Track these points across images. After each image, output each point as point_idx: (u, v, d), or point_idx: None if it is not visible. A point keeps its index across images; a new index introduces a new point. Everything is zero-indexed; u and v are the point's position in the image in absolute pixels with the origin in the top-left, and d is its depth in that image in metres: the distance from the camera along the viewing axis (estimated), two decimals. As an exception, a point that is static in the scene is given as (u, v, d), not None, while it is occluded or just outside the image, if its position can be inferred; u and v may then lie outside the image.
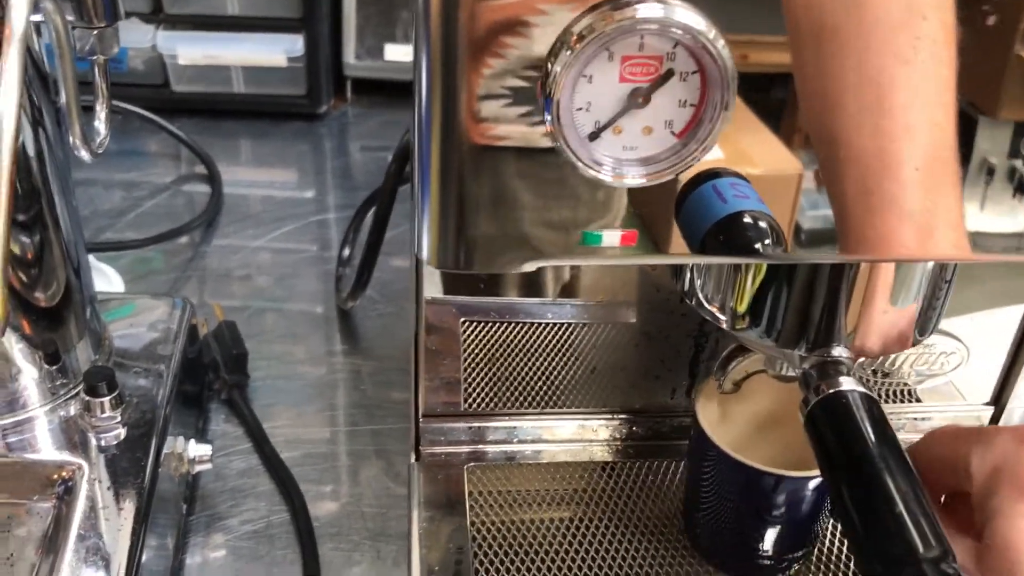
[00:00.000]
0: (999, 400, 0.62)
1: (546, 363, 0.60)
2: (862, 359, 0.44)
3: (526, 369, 0.60)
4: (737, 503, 0.50)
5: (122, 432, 0.59)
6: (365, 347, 0.80)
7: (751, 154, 0.35)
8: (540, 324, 0.59)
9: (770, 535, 0.50)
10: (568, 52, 0.31)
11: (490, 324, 0.59)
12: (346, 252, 0.86)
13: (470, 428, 0.59)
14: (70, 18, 0.47)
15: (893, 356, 0.58)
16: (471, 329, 0.59)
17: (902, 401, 0.61)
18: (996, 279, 0.58)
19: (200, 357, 0.74)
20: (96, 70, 0.51)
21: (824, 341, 0.42)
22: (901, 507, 0.35)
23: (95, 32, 0.48)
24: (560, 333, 0.59)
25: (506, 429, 0.59)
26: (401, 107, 1.13)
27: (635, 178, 0.34)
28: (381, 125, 1.13)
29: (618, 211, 0.35)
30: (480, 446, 0.59)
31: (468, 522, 0.54)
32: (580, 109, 0.33)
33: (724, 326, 0.44)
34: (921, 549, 0.33)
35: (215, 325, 0.76)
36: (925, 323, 0.43)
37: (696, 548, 0.54)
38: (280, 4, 1.02)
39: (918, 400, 0.61)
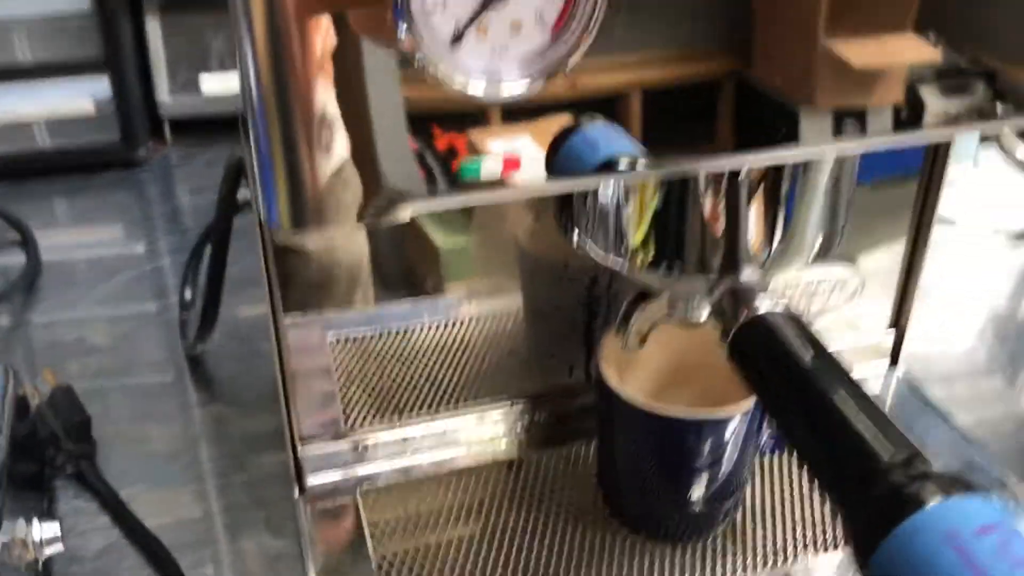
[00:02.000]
0: (898, 323, 0.60)
1: (430, 365, 0.54)
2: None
3: (409, 375, 0.54)
4: (658, 459, 0.46)
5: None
6: (224, 392, 0.73)
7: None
8: (416, 328, 0.54)
9: (698, 486, 0.46)
10: (411, -61, 0.26)
11: (361, 337, 0.53)
12: (187, 294, 0.78)
13: (356, 448, 0.53)
14: None
15: (790, 289, 0.55)
16: (341, 345, 0.53)
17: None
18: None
19: (35, 431, 0.64)
20: None
21: (731, 265, 0.38)
22: (853, 420, 0.31)
23: None
24: (440, 332, 0.54)
25: (396, 442, 0.53)
26: (227, 144, 1.05)
27: (512, 87, 0.29)
28: (208, 165, 1.05)
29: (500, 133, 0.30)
30: (370, 465, 0.53)
31: (373, 564, 0.48)
32: (436, 7, 0.28)
33: (623, 270, 0.40)
34: (885, 457, 0.29)
35: (48, 393, 0.67)
36: (831, 231, 0.40)
37: (624, 521, 0.49)
38: (78, 44, 0.94)
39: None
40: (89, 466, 0.64)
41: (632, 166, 0.33)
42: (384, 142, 0.30)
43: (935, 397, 0.60)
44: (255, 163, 0.29)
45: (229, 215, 0.69)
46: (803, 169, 0.38)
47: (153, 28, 1.00)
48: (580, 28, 0.29)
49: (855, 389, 0.32)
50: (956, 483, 0.27)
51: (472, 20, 0.28)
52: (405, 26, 0.28)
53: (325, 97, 0.28)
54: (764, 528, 0.50)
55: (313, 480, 0.52)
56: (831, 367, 0.33)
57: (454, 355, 0.54)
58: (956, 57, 0.34)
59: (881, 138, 0.36)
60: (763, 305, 0.37)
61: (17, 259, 0.88)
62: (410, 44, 0.28)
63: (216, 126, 1.05)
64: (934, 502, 0.27)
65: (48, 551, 0.56)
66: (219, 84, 1.03)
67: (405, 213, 0.31)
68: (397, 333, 0.54)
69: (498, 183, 0.31)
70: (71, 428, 0.65)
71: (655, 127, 0.32)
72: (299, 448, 0.51)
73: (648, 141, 0.33)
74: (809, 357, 0.34)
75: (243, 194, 0.67)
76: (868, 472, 0.29)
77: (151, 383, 0.73)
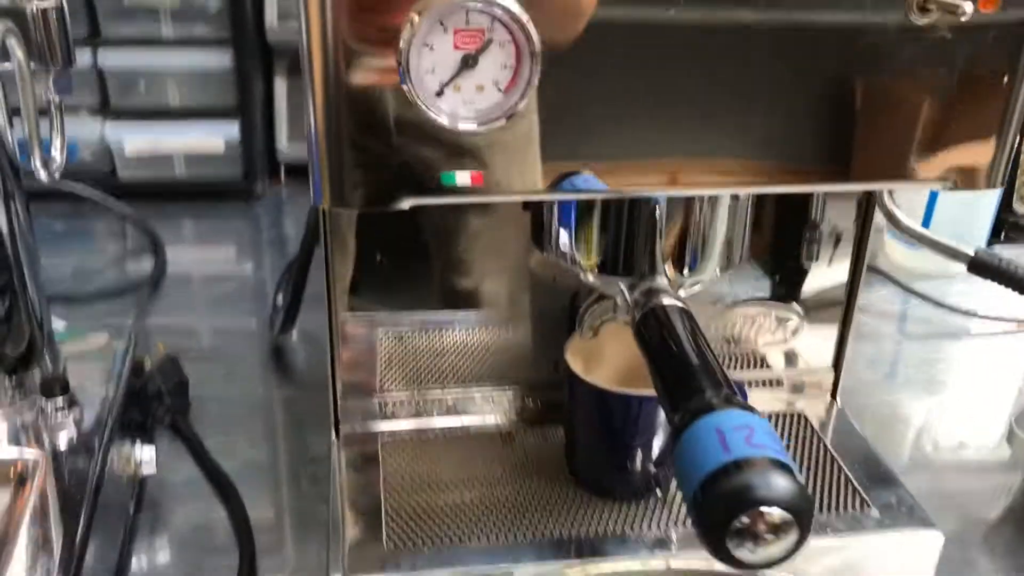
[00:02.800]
0: (837, 363, 0.72)
1: (448, 353, 0.69)
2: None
3: (432, 361, 0.69)
4: (604, 429, 0.59)
5: (74, 432, 0.66)
6: (295, 377, 0.89)
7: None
8: (442, 326, 0.69)
9: (635, 453, 0.60)
10: (411, 27, 0.43)
11: (405, 330, 0.69)
12: (279, 299, 0.96)
13: (382, 407, 0.68)
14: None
15: (738, 324, 0.69)
16: (386, 337, 0.69)
17: (753, 367, 0.71)
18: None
19: (145, 388, 0.81)
20: (52, 107, 0.61)
21: (649, 271, 0.53)
22: (696, 368, 0.45)
23: (52, 74, 0.59)
24: (458, 330, 0.69)
25: (415, 408, 0.69)
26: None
27: (473, 124, 0.45)
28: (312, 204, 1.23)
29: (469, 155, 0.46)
30: (393, 422, 0.68)
31: (382, 481, 0.63)
32: (427, 72, 0.44)
33: (579, 273, 0.55)
34: (705, 389, 0.43)
35: (159, 361, 0.84)
36: (730, 251, 0.54)
37: (581, 483, 0.63)
38: (217, 94, 1.14)
39: (768, 366, 0.71)
40: (183, 419, 0.81)
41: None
42: (394, 154, 0.46)
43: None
44: (310, 143, 0.46)
45: (315, 235, 0.87)
46: (708, 200, 0.52)
47: (280, 85, 1.20)
48: (522, 90, 0.45)
49: (704, 352, 0.46)
50: (736, 403, 0.41)
51: (450, 81, 0.44)
52: (406, 82, 0.44)
53: (355, 117, 0.45)
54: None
55: (346, 430, 0.67)
56: (694, 338, 0.47)
57: (467, 347, 0.69)
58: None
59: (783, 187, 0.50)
60: (664, 300, 0.51)
61: (149, 264, 1.08)
62: (409, 94, 0.44)
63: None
64: (717, 411, 0.41)
65: (145, 471, 0.72)
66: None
67: (405, 204, 0.47)
68: (428, 330, 0.69)
69: (468, 188, 0.47)
70: (173, 388, 0.82)
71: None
72: (339, 402, 0.66)
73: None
74: (681, 332, 0.48)
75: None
76: (689, 395, 0.43)
77: (241, 362, 0.90)
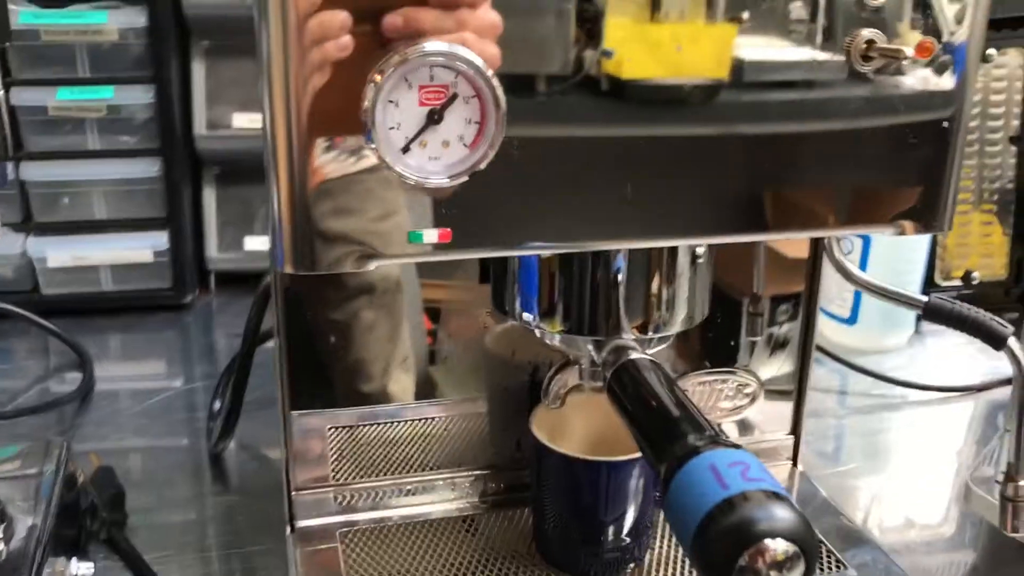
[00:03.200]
0: (796, 428, 0.72)
1: (406, 440, 0.67)
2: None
3: (389, 450, 0.67)
4: (572, 499, 0.58)
5: (3, 550, 0.62)
6: (235, 485, 0.86)
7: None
8: (398, 414, 0.67)
9: (606, 526, 0.58)
10: (374, 85, 0.43)
11: (358, 422, 0.67)
12: (216, 405, 0.92)
13: (339, 498, 0.65)
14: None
15: (695, 393, 0.68)
16: (339, 429, 0.67)
17: (715, 436, 0.71)
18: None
19: (78, 501, 0.77)
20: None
21: (614, 330, 0.52)
22: (674, 412, 0.44)
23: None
24: (419, 427, 0.67)
25: (373, 493, 0.66)
26: (263, 296, 1.22)
27: (440, 180, 0.44)
28: (244, 311, 1.21)
29: (435, 213, 0.46)
30: (351, 515, 0.65)
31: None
32: (392, 128, 0.44)
33: (539, 333, 0.54)
34: (687, 433, 0.42)
35: (92, 473, 0.80)
36: (692, 309, 0.54)
37: (550, 561, 0.61)
38: (145, 206, 1.12)
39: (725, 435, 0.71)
40: (119, 531, 0.77)
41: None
42: (359, 215, 0.45)
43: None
44: (272, 209, 0.45)
45: (256, 335, 0.85)
46: (668, 259, 0.53)
47: (209, 195, 1.19)
48: (487, 145, 0.45)
49: (683, 401, 0.46)
50: (724, 443, 0.40)
51: (416, 137, 0.44)
52: (372, 141, 0.44)
53: (320, 180, 0.44)
54: (666, 569, 0.61)
55: (302, 524, 0.64)
56: (670, 387, 0.47)
57: (424, 434, 0.67)
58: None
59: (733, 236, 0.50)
60: (633, 355, 0.50)
61: (77, 379, 1.03)
62: (376, 154, 0.44)
63: (255, 279, 1.21)
64: (706, 451, 0.40)
65: (83, 586, 0.67)
66: (261, 244, 1.21)
67: (371, 265, 0.46)
68: (382, 421, 0.67)
69: (436, 247, 0.46)
70: (108, 500, 0.78)
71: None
72: (292, 495, 0.63)
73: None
74: (657, 385, 0.47)
75: (267, 324, 0.83)
76: (674, 440, 0.42)
77: (179, 472, 0.86)
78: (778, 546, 0.36)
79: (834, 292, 1.10)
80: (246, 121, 1.15)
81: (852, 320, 1.10)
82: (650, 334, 0.54)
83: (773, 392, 0.71)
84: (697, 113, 0.47)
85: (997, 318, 0.54)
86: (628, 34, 0.45)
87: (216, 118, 1.15)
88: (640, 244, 0.50)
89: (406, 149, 0.44)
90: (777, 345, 0.71)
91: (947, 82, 0.49)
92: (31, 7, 1.04)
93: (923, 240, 1.06)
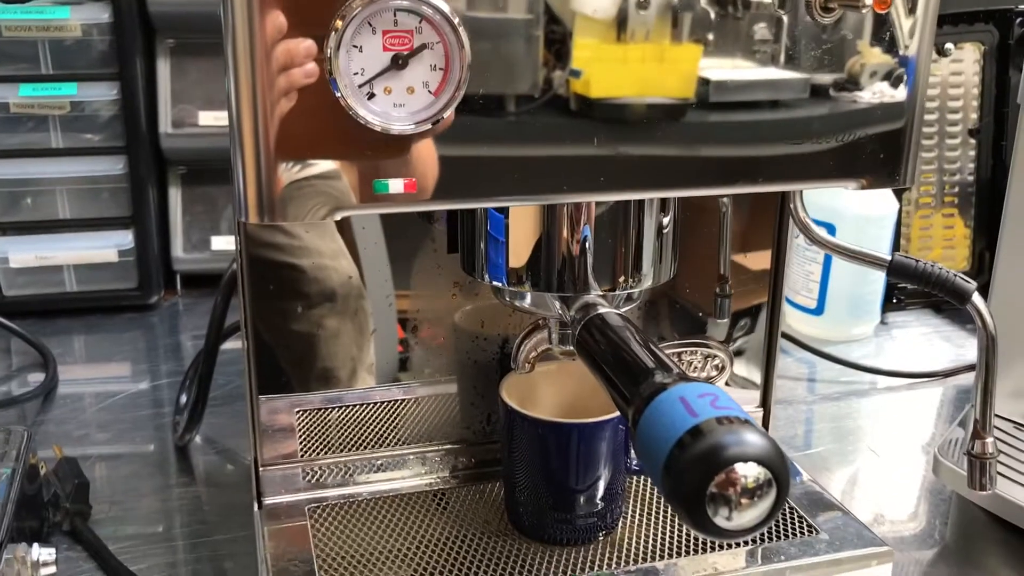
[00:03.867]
0: (765, 402, 0.72)
1: (378, 426, 0.67)
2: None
3: (360, 428, 0.66)
4: (543, 464, 0.57)
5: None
6: (200, 476, 0.84)
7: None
8: (368, 405, 0.67)
9: (577, 493, 0.57)
10: (335, 33, 0.42)
11: (324, 409, 0.66)
12: (183, 399, 0.91)
13: (308, 474, 0.64)
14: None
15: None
16: (304, 416, 0.66)
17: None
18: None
19: (40, 493, 0.75)
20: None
21: (582, 287, 0.52)
22: (640, 355, 0.44)
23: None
24: (389, 406, 0.67)
25: (342, 468, 0.65)
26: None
27: (404, 126, 0.44)
28: (209, 312, 1.20)
29: (401, 163, 0.46)
30: (320, 492, 0.64)
31: (313, 550, 0.59)
32: (356, 74, 0.44)
33: (508, 296, 0.54)
34: (654, 372, 0.42)
35: (55, 465, 0.78)
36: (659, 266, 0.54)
37: (522, 531, 0.60)
38: (110, 205, 1.11)
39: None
40: (82, 522, 0.75)
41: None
42: (323, 163, 0.45)
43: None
44: (233, 159, 0.44)
45: (221, 324, 0.84)
46: (636, 216, 0.53)
47: (174, 194, 1.18)
48: (452, 92, 0.45)
49: (652, 348, 0.46)
50: (693, 379, 0.40)
51: (376, 77, 0.44)
52: (336, 90, 0.43)
53: (284, 129, 0.44)
54: (638, 538, 0.61)
55: (269, 500, 0.63)
56: (638, 337, 0.47)
57: (395, 412, 0.67)
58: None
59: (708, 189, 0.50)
60: (601, 310, 0.50)
61: (40, 377, 1.01)
62: (343, 102, 0.44)
63: (220, 280, 1.20)
64: (675, 385, 0.40)
65: (44, 572, 0.66)
66: (227, 244, 1.20)
67: (337, 216, 0.45)
68: (353, 405, 0.67)
69: (401, 196, 0.46)
70: (72, 491, 0.76)
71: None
72: (260, 471, 0.62)
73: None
74: (620, 334, 0.47)
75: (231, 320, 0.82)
76: (643, 380, 0.41)
77: (144, 465, 0.85)
78: (749, 471, 0.36)
79: (800, 283, 1.11)
80: (212, 119, 1.14)
81: (819, 311, 1.10)
82: (618, 292, 0.54)
83: (741, 374, 0.72)
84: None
85: (961, 274, 0.55)
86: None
87: (181, 116, 1.14)
88: (608, 197, 0.50)
89: (371, 96, 0.44)
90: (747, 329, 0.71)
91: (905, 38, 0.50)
92: (-7, 2, 1.03)
93: (887, 231, 1.07)
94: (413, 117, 0.45)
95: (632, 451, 0.60)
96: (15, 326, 1.04)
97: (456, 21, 0.44)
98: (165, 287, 1.20)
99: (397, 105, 0.44)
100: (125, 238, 1.13)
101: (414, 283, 0.65)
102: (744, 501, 0.36)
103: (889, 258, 0.56)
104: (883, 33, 0.50)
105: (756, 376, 0.72)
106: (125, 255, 1.13)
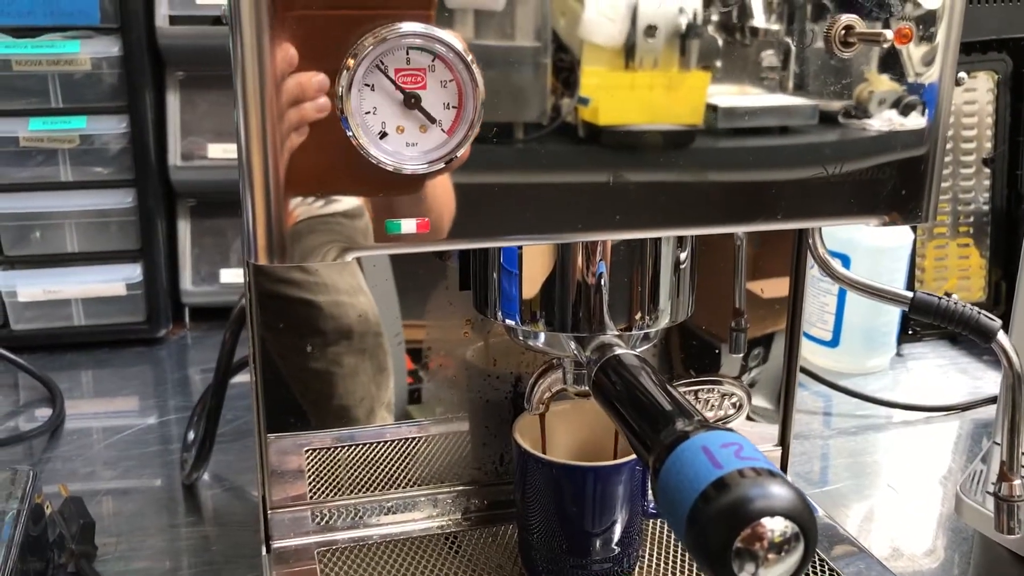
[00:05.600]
0: (783, 441, 0.71)
1: (388, 467, 0.65)
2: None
3: (370, 469, 0.65)
4: (558, 508, 0.56)
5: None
6: (208, 515, 0.83)
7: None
8: (378, 435, 0.65)
9: (593, 536, 0.56)
10: (347, 71, 0.42)
11: (333, 448, 0.65)
12: (191, 436, 0.90)
13: (317, 516, 0.63)
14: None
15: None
16: (313, 456, 0.64)
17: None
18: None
19: (45, 533, 0.74)
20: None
21: (598, 327, 0.51)
22: (660, 401, 0.43)
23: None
24: (400, 445, 0.65)
25: (352, 511, 0.64)
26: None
27: (417, 165, 0.43)
28: (219, 346, 1.19)
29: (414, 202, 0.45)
30: (329, 535, 0.63)
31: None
32: (368, 113, 0.43)
33: (521, 335, 0.53)
34: (674, 419, 0.40)
35: (60, 504, 0.77)
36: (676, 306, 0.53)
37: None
38: (119, 238, 1.11)
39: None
40: (87, 564, 0.74)
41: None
42: (335, 203, 0.44)
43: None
44: (244, 202, 0.43)
45: (230, 360, 0.83)
46: (652, 255, 0.52)
47: (183, 227, 1.18)
48: (465, 130, 0.44)
49: (670, 392, 0.44)
50: (715, 427, 0.39)
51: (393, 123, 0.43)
52: (348, 129, 0.43)
53: (294, 165, 0.43)
54: (656, 582, 0.59)
55: (278, 544, 0.62)
56: (656, 381, 0.45)
57: (405, 453, 0.65)
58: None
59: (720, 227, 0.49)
60: (618, 351, 0.49)
61: (47, 412, 1.00)
62: (354, 141, 0.43)
63: (230, 313, 1.20)
64: (697, 434, 0.38)
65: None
66: (236, 277, 1.19)
67: (348, 257, 0.44)
68: (363, 444, 0.65)
69: (413, 236, 0.45)
70: (77, 531, 0.75)
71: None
72: (269, 513, 0.61)
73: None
74: (643, 376, 0.46)
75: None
76: (664, 427, 0.40)
77: (151, 503, 0.83)
78: (776, 525, 0.35)
79: (815, 315, 1.09)
80: (221, 152, 1.14)
81: (834, 343, 1.09)
82: (634, 331, 0.52)
83: (759, 407, 0.70)
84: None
85: (984, 312, 0.53)
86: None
87: (191, 149, 1.13)
88: (623, 235, 0.49)
89: (383, 135, 0.43)
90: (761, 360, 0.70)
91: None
92: (2, 37, 1.03)
93: (902, 262, 1.06)
94: (426, 156, 0.44)
95: (649, 493, 0.59)
96: (22, 361, 1.03)
97: (470, 59, 0.43)
98: (173, 320, 1.19)
99: (410, 144, 0.44)
100: (133, 271, 1.12)
101: (425, 319, 0.63)
102: (771, 556, 0.35)
103: (911, 295, 0.55)
104: (898, 67, 0.49)
105: (771, 408, 0.70)
106: (133, 288, 1.12)
